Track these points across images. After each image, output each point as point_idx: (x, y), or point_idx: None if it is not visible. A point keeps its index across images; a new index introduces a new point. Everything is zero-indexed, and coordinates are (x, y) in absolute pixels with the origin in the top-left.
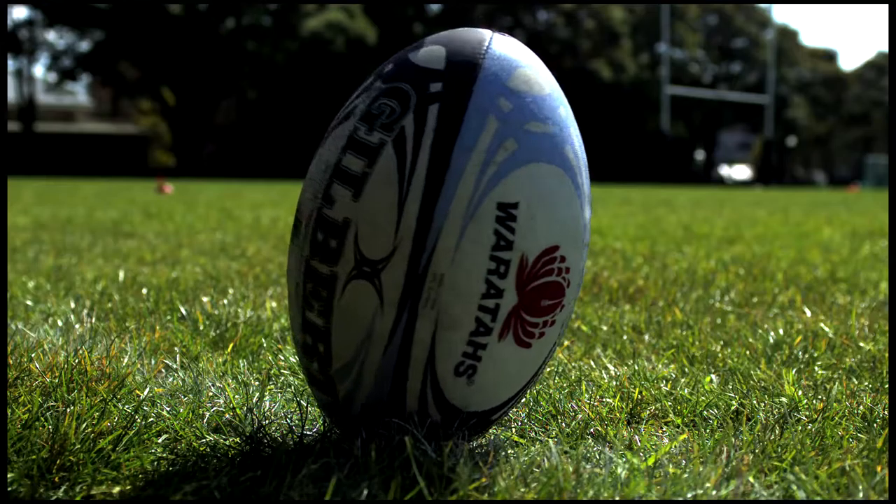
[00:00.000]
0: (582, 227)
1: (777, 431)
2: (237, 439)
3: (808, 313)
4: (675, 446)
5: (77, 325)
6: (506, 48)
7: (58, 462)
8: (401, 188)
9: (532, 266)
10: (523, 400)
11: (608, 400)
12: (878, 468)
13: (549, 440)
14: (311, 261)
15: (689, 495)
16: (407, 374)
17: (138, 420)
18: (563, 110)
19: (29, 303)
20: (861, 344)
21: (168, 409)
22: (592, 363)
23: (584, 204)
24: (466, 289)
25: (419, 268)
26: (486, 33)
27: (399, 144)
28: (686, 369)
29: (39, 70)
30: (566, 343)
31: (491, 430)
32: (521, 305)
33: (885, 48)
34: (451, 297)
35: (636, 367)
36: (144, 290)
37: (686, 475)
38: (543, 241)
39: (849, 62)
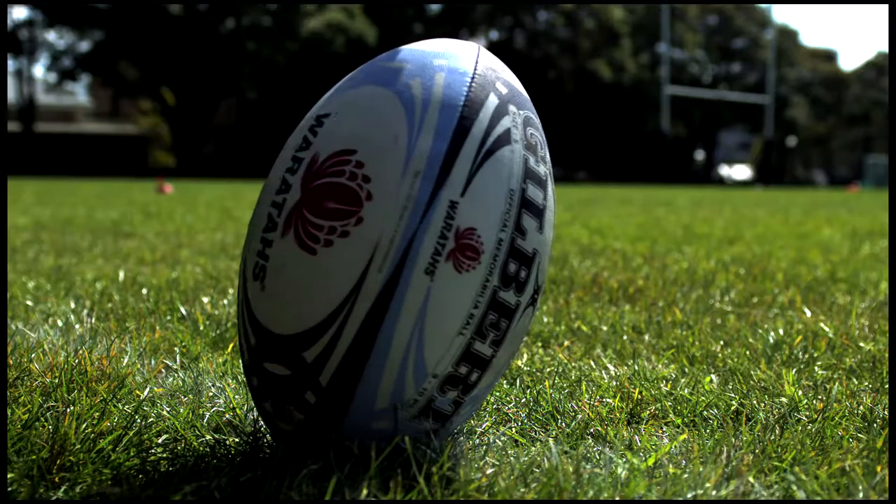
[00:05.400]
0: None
1: (777, 431)
2: (237, 439)
3: (808, 313)
4: (675, 446)
5: (77, 326)
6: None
7: (58, 462)
8: None
9: (321, 165)
10: (522, 399)
11: (608, 400)
12: (878, 468)
13: (549, 440)
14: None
15: (689, 495)
16: (238, 285)
17: (138, 420)
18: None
19: (29, 303)
20: (861, 344)
21: (168, 409)
22: (592, 363)
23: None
24: (270, 188)
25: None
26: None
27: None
28: (686, 369)
29: (39, 70)
30: (566, 343)
31: (490, 430)
32: (304, 202)
33: (885, 48)
34: (261, 198)
35: (636, 367)
36: (144, 291)
37: (686, 475)
38: (338, 144)
39: (849, 62)
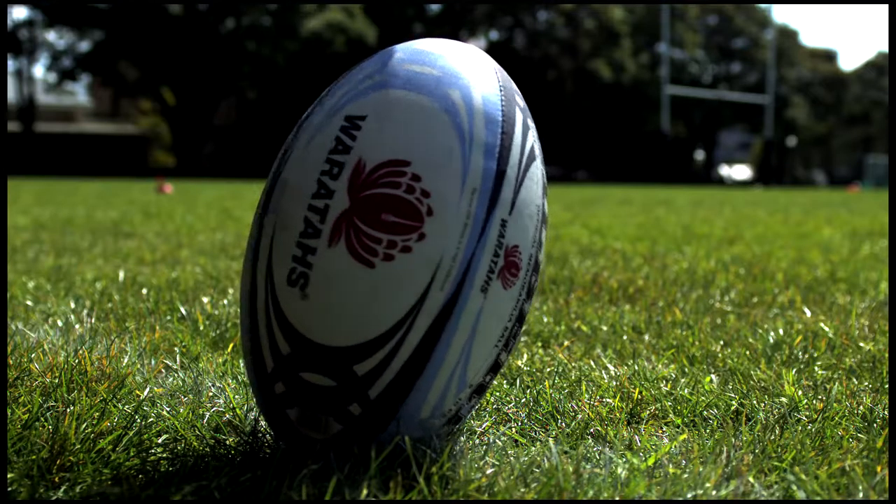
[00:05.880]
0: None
1: (777, 431)
2: (237, 439)
3: (808, 313)
4: (675, 446)
5: (77, 326)
6: None
7: (58, 462)
8: None
9: (369, 173)
10: (522, 399)
11: (608, 400)
12: (878, 468)
13: (549, 440)
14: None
15: (689, 495)
16: (256, 288)
17: (138, 420)
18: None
19: (29, 303)
20: (861, 344)
21: (168, 409)
22: (592, 363)
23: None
24: (301, 188)
25: (275, 178)
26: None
27: None
28: (686, 369)
29: (39, 70)
30: (566, 343)
31: (490, 430)
32: (354, 211)
33: (885, 48)
34: (288, 198)
35: (636, 367)
36: (144, 290)
37: (686, 475)
38: (386, 152)
39: (849, 62)
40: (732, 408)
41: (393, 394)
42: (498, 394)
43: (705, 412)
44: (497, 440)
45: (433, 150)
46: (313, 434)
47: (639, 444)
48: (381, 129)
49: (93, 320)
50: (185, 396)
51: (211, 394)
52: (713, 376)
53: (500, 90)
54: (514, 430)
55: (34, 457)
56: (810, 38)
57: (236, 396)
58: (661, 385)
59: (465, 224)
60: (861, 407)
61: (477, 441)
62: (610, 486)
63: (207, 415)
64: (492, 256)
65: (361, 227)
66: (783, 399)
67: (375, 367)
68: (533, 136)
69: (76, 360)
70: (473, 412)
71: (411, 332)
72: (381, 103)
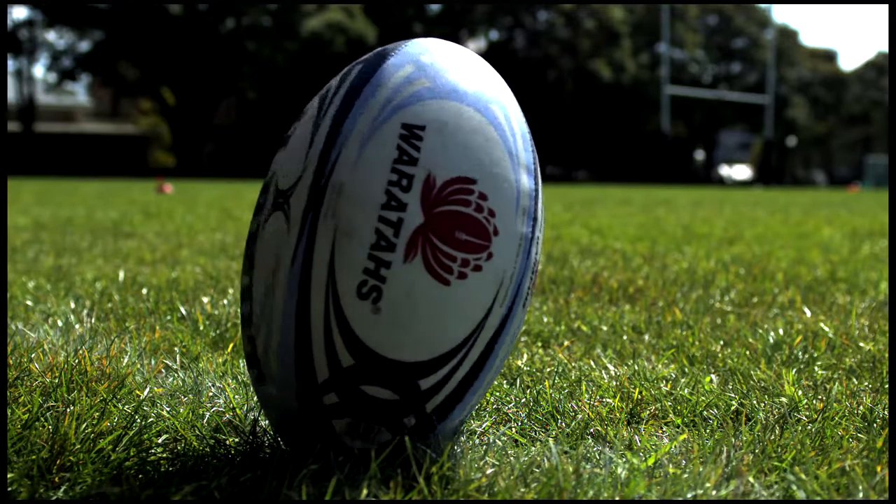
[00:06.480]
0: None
1: (777, 431)
2: (237, 439)
3: (808, 313)
4: (675, 446)
5: (77, 326)
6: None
7: (58, 462)
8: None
9: (440, 189)
10: (522, 399)
11: (608, 400)
12: (878, 468)
13: (549, 440)
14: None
15: (689, 495)
16: (309, 295)
17: (138, 420)
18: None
19: (29, 303)
20: (861, 344)
21: (168, 409)
22: (592, 363)
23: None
24: (366, 196)
25: (322, 180)
26: None
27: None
28: (686, 369)
29: (39, 70)
30: (566, 343)
31: (490, 430)
32: (430, 227)
33: (885, 48)
34: (349, 205)
35: (636, 367)
36: (144, 290)
37: (686, 475)
38: (454, 168)
39: (849, 62)
40: (732, 408)
41: (446, 406)
42: (498, 394)
43: (705, 412)
44: (497, 440)
45: (493, 169)
46: (356, 443)
47: (639, 444)
48: (443, 143)
49: (93, 320)
50: (185, 396)
51: (211, 394)
52: (713, 376)
53: (517, 104)
54: (514, 430)
55: (34, 457)
56: (810, 38)
57: (236, 396)
58: (661, 385)
59: (519, 244)
60: (861, 407)
61: (477, 441)
62: (610, 486)
63: (207, 415)
64: (531, 273)
65: (437, 244)
66: (783, 399)
67: (439, 382)
68: None
69: (76, 360)
70: (473, 412)
71: (474, 348)
72: (435, 113)
